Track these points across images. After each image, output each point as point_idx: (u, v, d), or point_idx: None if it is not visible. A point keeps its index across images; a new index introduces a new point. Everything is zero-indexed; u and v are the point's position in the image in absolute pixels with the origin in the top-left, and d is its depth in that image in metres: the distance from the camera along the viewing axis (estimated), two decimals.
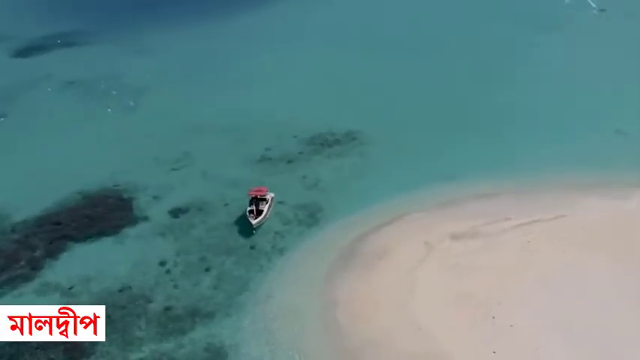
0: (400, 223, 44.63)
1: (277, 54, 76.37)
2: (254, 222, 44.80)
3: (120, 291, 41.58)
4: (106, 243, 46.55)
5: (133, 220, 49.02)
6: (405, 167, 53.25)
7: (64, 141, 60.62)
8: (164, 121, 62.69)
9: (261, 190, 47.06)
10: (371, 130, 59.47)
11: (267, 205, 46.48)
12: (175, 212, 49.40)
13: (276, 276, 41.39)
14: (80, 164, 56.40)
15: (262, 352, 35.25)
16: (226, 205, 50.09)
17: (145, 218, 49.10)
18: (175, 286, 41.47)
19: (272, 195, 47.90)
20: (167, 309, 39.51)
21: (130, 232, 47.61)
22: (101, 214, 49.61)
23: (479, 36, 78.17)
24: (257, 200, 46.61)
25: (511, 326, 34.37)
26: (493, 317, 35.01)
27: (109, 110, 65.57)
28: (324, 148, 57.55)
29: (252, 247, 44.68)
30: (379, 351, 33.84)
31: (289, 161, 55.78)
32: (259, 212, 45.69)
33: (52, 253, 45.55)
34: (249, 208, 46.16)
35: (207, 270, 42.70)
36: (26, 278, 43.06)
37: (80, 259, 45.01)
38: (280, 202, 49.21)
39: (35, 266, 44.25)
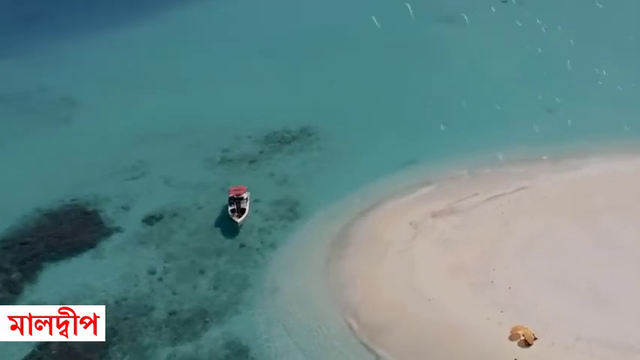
0: (380, 208, 46.89)
1: (212, 54, 76.07)
2: (238, 220, 45.32)
3: (116, 303, 40.58)
4: (84, 259, 45.08)
5: (106, 233, 47.79)
6: (366, 157, 55.35)
7: (5, 160, 57.36)
8: (106, 131, 61.14)
9: (240, 189, 47.61)
10: (323, 126, 61.14)
11: (248, 203, 47.05)
12: (149, 220, 48.67)
13: (275, 269, 42.14)
14: (31, 182, 54.06)
15: (285, 341, 35.96)
16: (200, 208, 50.02)
17: (119, 229, 48.00)
18: (174, 292, 41.17)
19: (249, 194, 48.45)
20: (172, 314, 39.26)
21: (106, 245, 46.39)
22: (70, 231, 47.93)
23: (396, 30, 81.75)
24: (237, 199, 46.89)
25: (509, 288, 37.72)
26: (492, 282, 38.20)
27: (44, 125, 62.35)
28: (283, 146, 58.64)
29: (241, 246, 45.09)
30: (397, 325, 35.80)
31: (251, 161, 56.42)
32: (242, 211, 46.14)
33: (29, 275, 43.64)
34: (230, 208, 46.45)
35: (201, 272, 42.68)
36: (8, 302, 40.81)
37: (62, 277, 43.36)
38: (256, 201, 49.85)
39: (14, 289, 42.39)
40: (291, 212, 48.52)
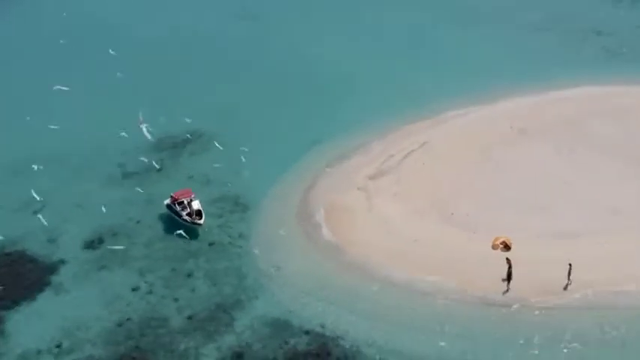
0: (321, 181, 51.40)
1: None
2: (201, 222, 45.90)
3: (120, 326, 38.98)
4: (47, 297, 41.76)
5: (51, 269, 44.68)
6: (271, 145, 58.72)
7: None
8: None
9: (188, 192, 47.88)
10: (212, 125, 62.39)
11: (200, 205, 47.78)
12: (91, 245, 46.55)
13: (261, 253, 43.95)
14: None
15: (319, 305, 38.77)
16: (138, 222, 49.08)
17: (63, 262, 45.20)
18: (175, 299, 40.70)
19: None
20: (190, 317, 38.81)
21: (61, 279, 43.45)
22: (5, 275, 43.51)
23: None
24: (188, 202, 47.24)
25: (467, 215, 45.67)
26: (452, 214, 45.70)
27: None
28: (180, 150, 59.04)
29: (211, 244, 45.59)
30: (401, 264, 41.34)
31: (159, 170, 56.05)
32: (198, 212, 46.77)
33: None
34: (186, 212, 46.64)
35: (189, 276, 42.57)
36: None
37: (36, 321, 39.73)
38: None
39: None
40: (237, 205, 49.87)
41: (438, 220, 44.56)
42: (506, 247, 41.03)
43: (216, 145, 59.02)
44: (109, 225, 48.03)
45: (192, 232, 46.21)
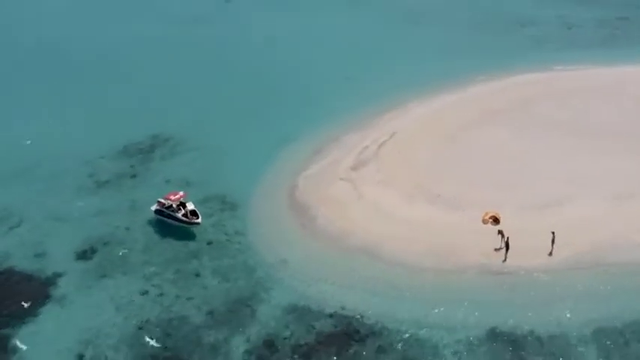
0: (305, 176, 53.12)
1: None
2: (199, 220, 46.37)
3: (140, 329, 38.91)
4: (53, 312, 40.50)
5: (49, 282, 43.61)
6: (246, 143, 59.93)
7: None
8: None
9: (179, 194, 48.09)
10: (176, 129, 62.87)
11: (194, 205, 48.19)
12: (84, 255, 45.76)
13: (265, 249, 44.72)
14: None
15: (332, 289, 40.24)
16: (128, 228, 48.75)
17: (59, 275, 44.18)
18: (189, 298, 40.85)
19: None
20: (209, 313, 39.06)
21: (62, 291, 42.49)
22: (3, 297, 42.18)
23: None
24: (181, 204, 47.58)
25: (452, 195, 48.57)
26: (439, 195, 48.71)
27: None
28: (149, 155, 58.95)
29: (209, 243, 46.07)
30: (404, 244, 43.87)
31: (132, 176, 55.87)
32: (193, 212, 47.23)
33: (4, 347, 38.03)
34: (180, 214, 46.92)
35: (197, 275, 42.77)
36: None
37: (45, 336, 38.49)
38: None
39: None
40: (226, 204, 50.50)
41: (426, 202, 47.31)
42: (496, 220, 44.39)
43: (187, 149, 59.17)
44: (98, 235, 47.26)
45: (188, 233, 46.27)
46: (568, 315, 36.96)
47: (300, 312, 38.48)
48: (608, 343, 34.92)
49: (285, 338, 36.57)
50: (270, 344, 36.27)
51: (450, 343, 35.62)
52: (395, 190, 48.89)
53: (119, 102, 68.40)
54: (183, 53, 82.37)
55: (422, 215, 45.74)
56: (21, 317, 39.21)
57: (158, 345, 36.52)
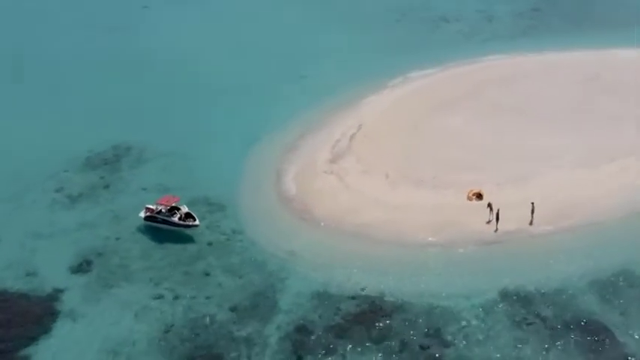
0: (285, 172, 54.70)
1: None
2: (197, 222, 46.76)
3: (166, 332, 38.89)
4: (66, 327, 39.47)
5: (51, 299, 42.28)
6: (212, 145, 60.28)
7: None
8: None
9: (172, 198, 48.21)
10: (136, 137, 61.66)
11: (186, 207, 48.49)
12: (80, 269, 44.54)
13: (268, 243, 45.67)
14: None
15: (346, 273, 42.01)
16: (117, 239, 48.23)
17: (60, 290, 43.01)
18: (207, 297, 41.20)
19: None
20: (233, 309, 39.64)
21: (69, 305, 41.26)
22: (9, 319, 40.73)
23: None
24: (175, 208, 47.81)
25: (434, 177, 51.24)
26: (422, 180, 51.65)
27: None
28: (116, 165, 57.65)
29: (209, 244, 46.58)
30: (397, 227, 46.54)
31: (105, 187, 55.02)
32: (188, 215, 47.62)
33: None
34: (176, 217, 47.07)
35: (207, 275, 42.95)
36: None
37: (66, 352, 37.85)
38: None
39: None
40: (212, 206, 50.72)
41: (412, 186, 50.32)
42: (479, 196, 48.22)
43: (155, 156, 58.86)
44: (87, 247, 46.34)
45: (184, 236, 46.44)
46: (561, 271, 40.91)
47: (321, 297, 39.88)
48: (601, 289, 39.50)
49: (314, 322, 37.89)
50: (302, 329, 37.45)
51: (468, 307, 38.43)
52: (379, 178, 51.52)
53: (61, 114, 66.24)
54: (113, 62, 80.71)
55: (411, 198, 48.67)
56: (34, 338, 37.87)
57: (189, 345, 36.65)
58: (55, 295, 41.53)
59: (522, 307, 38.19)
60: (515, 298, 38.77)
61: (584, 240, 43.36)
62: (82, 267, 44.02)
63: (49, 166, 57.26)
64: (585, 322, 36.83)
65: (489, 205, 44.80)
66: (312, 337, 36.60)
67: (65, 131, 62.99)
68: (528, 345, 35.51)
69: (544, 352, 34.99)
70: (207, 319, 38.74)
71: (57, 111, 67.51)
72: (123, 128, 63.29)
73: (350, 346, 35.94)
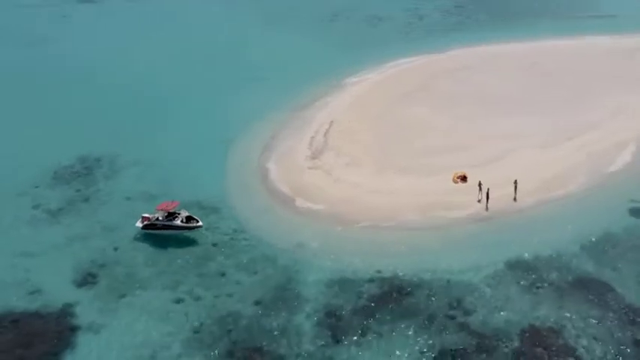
0: (270, 168, 55.85)
1: None
2: (200, 223, 46.85)
3: (197, 333, 38.92)
4: (90, 340, 38.43)
5: (65, 314, 41.18)
6: (187, 152, 60.52)
7: None
8: None
9: (171, 203, 48.16)
10: (101, 148, 61.15)
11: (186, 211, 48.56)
12: (86, 282, 43.74)
13: (275, 239, 46.54)
14: None
15: (359, 259, 43.67)
16: (116, 249, 47.64)
17: (71, 305, 41.81)
18: (229, 295, 41.54)
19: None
20: (257, 303, 40.12)
21: (87, 318, 40.24)
22: (18, 337, 39.52)
23: None
24: (174, 212, 47.78)
25: (417, 164, 55.07)
26: (404, 167, 54.13)
27: None
28: (89, 177, 56.85)
29: (214, 245, 46.93)
30: (395, 213, 48.80)
31: (85, 200, 54.04)
32: (189, 217, 47.79)
33: None
34: (179, 220, 47.01)
35: (222, 275, 43.32)
36: None
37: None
38: None
39: None
40: (205, 209, 50.60)
41: (399, 174, 52.86)
42: (464, 179, 51.53)
43: (129, 164, 58.21)
44: (87, 260, 45.37)
45: (186, 240, 46.51)
46: (553, 239, 44.76)
47: (341, 283, 41.37)
48: (590, 251, 43.65)
49: (342, 306, 39.28)
50: (331, 314, 38.74)
51: (481, 278, 41.33)
52: (365, 169, 53.75)
53: (11, 131, 63.73)
54: (50, 76, 78.37)
55: (401, 184, 51.17)
56: (58, 356, 36.56)
57: (225, 341, 36.96)
58: (68, 310, 40.39)
59: (528, 273, 41.38)
60: (520, 266, 42.10)
61: (566, 209, 47.29)
62: (87, 280, 42.99)
63: (16, 184, 55.25)
64: (586, 281, 40.42)
65: (479, 185, 47.87)
66: (344, 321, 37.85)
67: (23, 147, 60.71)
68: (543, 305, 38.47)
69: (559, 310, 37.94)
70: (235, 316, 38.47)
71: (6, 128, 64.15)
72: (85, 140, 62.25)
73: (382, 324, 37.36)
